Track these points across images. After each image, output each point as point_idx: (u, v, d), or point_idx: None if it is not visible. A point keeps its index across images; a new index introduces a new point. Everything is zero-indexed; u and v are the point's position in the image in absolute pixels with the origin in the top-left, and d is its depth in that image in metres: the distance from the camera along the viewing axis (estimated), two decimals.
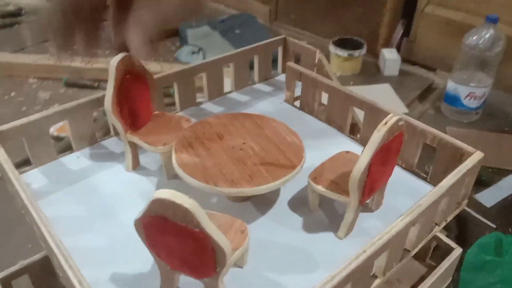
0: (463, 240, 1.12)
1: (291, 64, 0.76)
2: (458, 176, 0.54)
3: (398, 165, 0.67)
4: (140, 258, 0.52)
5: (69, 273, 0.43)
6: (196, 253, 0.43)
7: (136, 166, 0.66)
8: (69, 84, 1.77)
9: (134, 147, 0.64)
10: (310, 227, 0.58)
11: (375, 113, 0.66)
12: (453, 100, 1.60)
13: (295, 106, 0.80)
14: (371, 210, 0.60)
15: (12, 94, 1.73)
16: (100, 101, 0.66)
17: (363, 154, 0.49)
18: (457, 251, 0.71)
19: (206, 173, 0.54)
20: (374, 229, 0.57)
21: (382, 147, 0.49)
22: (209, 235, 0.41)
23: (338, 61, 1.89)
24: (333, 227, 0.57)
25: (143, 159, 0.67)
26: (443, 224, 0.59)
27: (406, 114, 1.62)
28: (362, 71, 1.93)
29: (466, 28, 1.56)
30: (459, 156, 0.59)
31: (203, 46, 2.05)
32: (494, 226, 1.18)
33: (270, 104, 0.80)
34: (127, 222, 0.57)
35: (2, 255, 1.03)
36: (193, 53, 2.02)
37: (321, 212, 0.60)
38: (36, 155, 0.65)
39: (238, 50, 0.79)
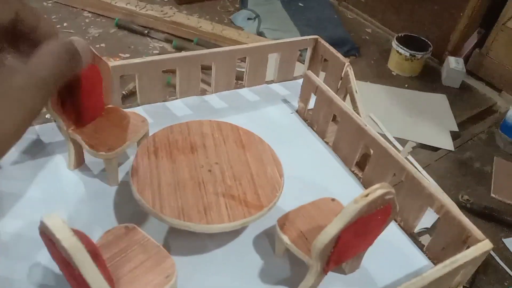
0: (477, 286, 1.02)
1: (309, 73, 0.66)
2: (450, 268, 0.44)
3: (396, 222, 0.57)
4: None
5: None
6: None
7: (79, 164, 0.57)
8: (121, 26, 1.73)
9: (78, 144, 0.54)
10: (268, 276, 0.50)
11: (384, 156, 0.56)
12: (510, 130, 1.44)
13: (304, 121, 0.70)
14: (343, 272, 0.51)
15: (65, 24, 1.72)
16: None
17: (331, 225, 0.40)
18: None
19: (157, 194, 0.46)
20: None
21: (358, 221, 0.40)
22: (87, 283, 0.34)
23: (398, 59, 1.74)
24: (294, 283, 0.49)
25: (90, 156, 0.54)
26: None
27: (454, 132, 1.50)
28: (421, 74, 1.77)
29: None
30: (464, 238, 0.49)
31: (262, 13, 1.93)
32: None
33: (279, 111, 0.71)
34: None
35: None
36: (249, 19, 1.92)
37: (287, 261, 0.51)
38: None
39: (257, 44, 0.69)
